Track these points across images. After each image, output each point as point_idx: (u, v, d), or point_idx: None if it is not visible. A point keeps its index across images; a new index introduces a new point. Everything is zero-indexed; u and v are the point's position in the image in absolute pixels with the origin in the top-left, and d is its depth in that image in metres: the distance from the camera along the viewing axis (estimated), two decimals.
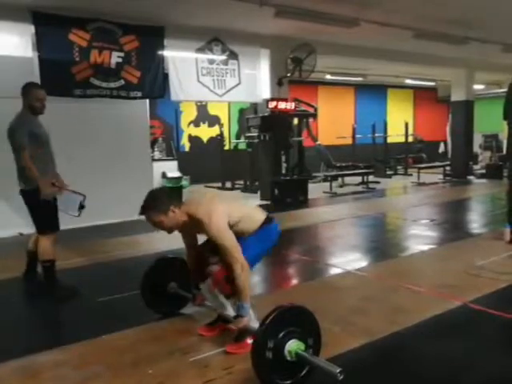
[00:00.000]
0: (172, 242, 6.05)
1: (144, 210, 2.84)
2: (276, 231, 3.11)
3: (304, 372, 2.51)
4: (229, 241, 2.79)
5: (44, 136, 4.03)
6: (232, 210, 2.94)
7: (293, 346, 2.42)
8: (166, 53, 7.69)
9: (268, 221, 3.06)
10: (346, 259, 5.23)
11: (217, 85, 8.35)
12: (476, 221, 7.79)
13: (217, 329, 3.23)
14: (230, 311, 3.22)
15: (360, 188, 11.48)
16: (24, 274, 4.35)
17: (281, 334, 2.42)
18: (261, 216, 3.07)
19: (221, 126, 13.27)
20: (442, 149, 17.78)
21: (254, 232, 2.98)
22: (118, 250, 5.69)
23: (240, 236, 2.90)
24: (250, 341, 2.92)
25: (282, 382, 2.43)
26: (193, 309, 3.57)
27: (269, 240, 3.06)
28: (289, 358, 2.42)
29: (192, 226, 2.93)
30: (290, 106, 9.45)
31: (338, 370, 2.27)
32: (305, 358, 2.43)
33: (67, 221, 4.54)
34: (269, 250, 3.10)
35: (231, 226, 2.87)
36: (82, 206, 4.37)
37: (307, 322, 2.58)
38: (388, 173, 14.04)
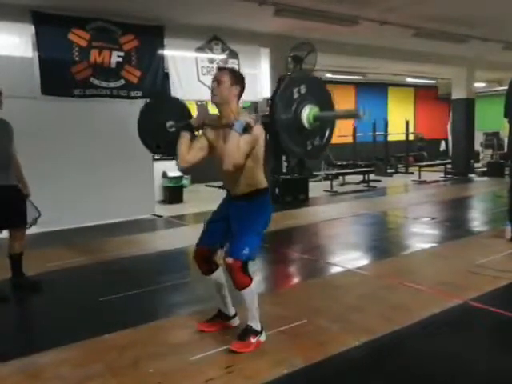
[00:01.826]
0: (173, 241, 6.09)
1: (226, 68, 2.98)
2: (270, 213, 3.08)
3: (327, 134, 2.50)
4: (243, 150, 2.76)
5: None
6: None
7: (308, 112, 2.40)
8: (166, 52, 7.69)
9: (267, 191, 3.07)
10: (347, 257, 5.23)
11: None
12: (477, 219, 7.78)
13: (217, 325, 3.23)
14: (231, 309, 3.23)
15: (361, 186, 11.48)
16: (11, 277, 4.28)
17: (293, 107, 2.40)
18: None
19: None
20: (442, 147, 17.77)
21: (262, 190, 2.98)
22: (119, 250, 5.69)
23: (251, 176, 2.91)
24: (253, 340, 2.93)
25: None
26: (192, 308, 3.58)
27: (269, 211, 3.04)
28: (308, 126, 2.39)
29: (222, 132, 2.92)
30: None
31: (360, 110, 2.27)
32: (324, 115, 2.40)
33: (67, 221, 4.54)
34: (268, 224, 3.04)
35: (255, 156, 2.88)
36: (34, 222, 4.28)
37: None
38: (389, 171, 14.04)
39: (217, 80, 2.90)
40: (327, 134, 2.55)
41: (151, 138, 3.41)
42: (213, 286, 3.19)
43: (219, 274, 3.12)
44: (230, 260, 2.84)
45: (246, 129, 2.73)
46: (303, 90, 2.43)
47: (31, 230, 4.34)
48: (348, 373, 2.75)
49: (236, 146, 2.73)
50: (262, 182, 3.01)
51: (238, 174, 2.88)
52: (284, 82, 2.58)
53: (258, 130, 2.78)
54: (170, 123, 3.29)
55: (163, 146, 3.40)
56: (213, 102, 2.96)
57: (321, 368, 2.74)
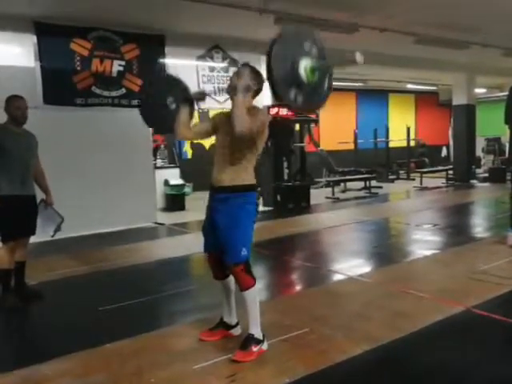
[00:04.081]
0: (175, 250, 6.09)
1: (248, 66, 3.02)
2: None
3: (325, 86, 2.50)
4: (252, 127, 2.81)
5: (13, 148, 4.03)
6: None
7: (306, 63, 2.40)
8: (167, 61, 7.72)
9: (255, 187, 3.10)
10: (349, 265, 5.22)
11: (218, 92, 8.37)
12: (479, 225, 7.77)
13: (219, 334, 3.23)
14: (233, 318, 3.23)
15: (362, 193, 11.47)
16: (13, 288, 4.29)
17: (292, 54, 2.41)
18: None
19: None
20: (444, 153, 17.77)
21: (251, 187, 3.01)
22: (120, 258, 5.69)
23: (244, 165, 2.96)
24: (255, 349, 2.92)
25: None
26: (195, 316, 3.57)
27: (256, 208, 3.06)
28: (305, 79, 2.40)
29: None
30: (292, 111, 9.46)
31: (357, 53, 2.29)
32: (321, 66, 2.43)
33: (69, 229, 4.55)
34: (255, 219, 3.08)
35: (255, 145, 2.96)
36: (58, 228, 4.42)
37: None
38: (390, 177, 14.03)
39: (237, 73, 2.99)
40: (326, 85, 2.54)
41: (155, 119, 3.45)
42: (221, 291, 3.20)
43: (231, 280, 3.12)
44: (232, 266, 2.90)
45: (247, 88, 2.83)
46: (307, 46, 2.45)
47: (32, 239, 4.34)
48: (351, 381, 2.74)
49: (242, 108, 2.78)
50: (251, 179, 3.04)
51: (233, 157, 2.92)
52: (278, 37, 2.59)
53: (266, 117, 2.84)
54: (169, 99, 3.32)
55: (168, 124, 3.37)
56: (229, 93, 3.02)
57: (323, 377, 2.73)
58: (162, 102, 3.34)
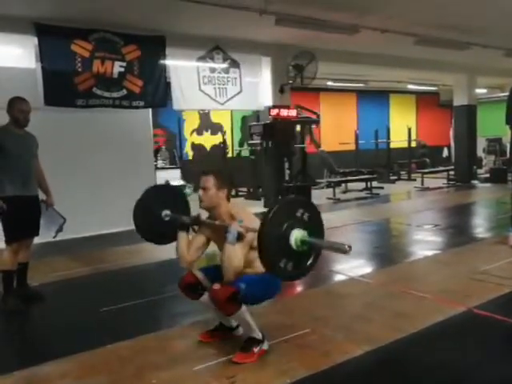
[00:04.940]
0: (174, 251, 6.08)
1: (210, 172, 2.97)
2: (280, 284, 3.00)
3: (310, 260, 2.58)
4: (240, 257, 2.76)
5: (15, 149, 4.05)
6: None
7: (297, 234, 2.44)
8: (168, 62, 7.73)
9: None
10: (350, 266, 5.21)
11: (218, 93, 8.38)
12: (480, 225, 7.76)
13: (219, 336, 3.23)
14: (233, 322, 3.22)
15: (363, 194, 11.46)
16: (15, 289, 4.31)
17: (284, 226, 2.45)
18: None
19: (224, 133, 13.31)
20: (445, 153, 17.75)
21: (261, 272, 2.77)
22: (121, 260, 5.70)
23: (246, 268, 2.85)
24: (256, 349, 2.92)
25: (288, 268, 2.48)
26: (195, 318, 3.57)
27: (273, 286, 2.95)
28: (295, 247, 2.44)
29: (215, 229, 2.95)
30: (292, 112, 9.47)
31: (346, 245, 2.30)
32: (311, 241, 2.47)
33: (70, 230, 4.56)
34: (269, 297, 3.02)
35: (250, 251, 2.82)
36: (60, 229, 4.42)
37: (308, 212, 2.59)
38: (391, 178, 14.03)
39: (202, 187, 2.94)
40: (311, 261, 2.63)
41: (148, 228, 3.39)
42: (205, 307, 3.14)
43: (205, 295, 3.04)
44: (217, 286, 2.79)
45: (239, 238, 2.75)
46: (299, 213, 2.51)
47: (34, 240, 4.35)
48: (352, 382, 2.74)
49: (232, 258, 2.75)
50: (261, 267, 2.76)
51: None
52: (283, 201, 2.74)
53: (251, 236, 2.73)
54: (165, 212, 3.29)
55: (159, 235, 3.37)
56: (201, 207, 3.01)
57: (325, 377, 2.73)
58: (157, 215, 3.31)
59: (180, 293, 3.15)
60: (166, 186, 3.58)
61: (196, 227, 3.11)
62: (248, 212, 3.02)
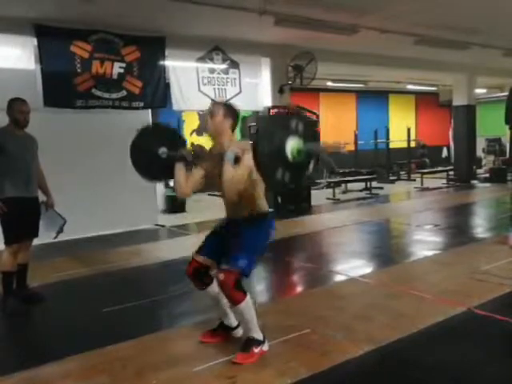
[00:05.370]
0: (176, 251, 6.09)
1: (220, 103, 3.09)
2: (273, 227, 3.11)
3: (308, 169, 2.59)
4: (240, 178, 2.80)
5: (16, 150, 4.05)
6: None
7: (293, 144, 2.46)
8: (168, 63, 7.72)
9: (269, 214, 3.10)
10: (350, 266, 5.22)
11: (218, 94, 8.37)
12: (480, 225, 7.76)
13: (219, 336, 3.23)
14: (232, 320, 3.22)
15: (363, 194, 11.46)
16: (15, 290, 4.30)
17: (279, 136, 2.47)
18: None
19: None
20: (444, 153, 17.76)
21: (262, 214, 3.00)
22: (122, 260, 5.69)
23: (250, 201, 2.94)
24: (256, 350, 2.92)
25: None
26: (196, 318, 3.57)
27: (267, 234, 3.06)
28: (291, 158, 2.47)
29: (216, 162, 2.95)
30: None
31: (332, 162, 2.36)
32: (307, 149, 2.49)
33: (71, 231, 4.56)
34: (265, 248, 3.09)
35: (252, 181, 2.89)
36: (60, 230, 4.42)
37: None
38: (391, 178, 14.03)
39: (210, 112, 3.01)
40: (310, 167, 2.63)
41: (145, 166, 3.39)
42: (210, 299, 3.19)
43: (214, 287, 3.08)
44: (222, 276, 2.83)
45: (236, 160, 2.79)
46: (293, 124, 2.51)
47: (34, 241, 4.34)
48: (352, 382, 2.74)
49: (232, 176, 2.80)
50: (263, 206, 3.04)
51: (238, 201, 2.91)
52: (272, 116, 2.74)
53: (248, 161, 2.75)
54: (162, 150, 3.29)
55: (156, 173, 3.38)
56: (207, 133, 3.09)
57: (325, 377, 2.73)
58: (153, 152, 3.29)
59: (191, 286, 3.17)
60: (164, 125, 3.58)
61: (194, 162, 3.14)
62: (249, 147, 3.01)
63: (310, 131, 2.66)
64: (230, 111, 3.04)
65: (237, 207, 2.98)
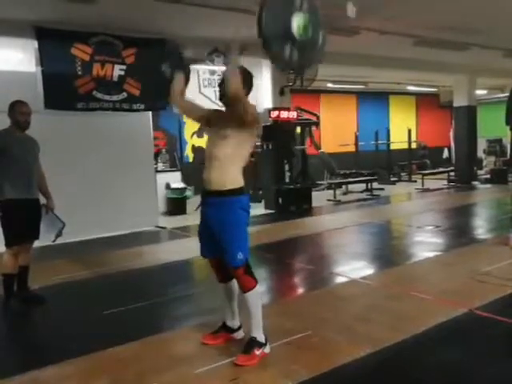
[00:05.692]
0: (177, 253, 6.09)
1: (238, 67, 3.01)
2: (249, 204, 3.09)
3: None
4: (239, 85, 2.82)
5: (18, 153, 4.06)
6: None
7: (299, 20, 2.43)
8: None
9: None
10: (351, 267, 5.21)
11: (218, 96, 8.37)
12: (481, 226, 7.76)
13: (221, 338, 3.23)
14: (236, 321, 3.22)
15: (364, 195, 11.46)
16: (15, 292, 4.29)
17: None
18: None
19: None
20: (445, 154, 17.75)
21: (237, 190, 2.97)
22: (122, 262, 5.69)
23: (231, 166, 2.96)
24: (257, 352, 2.92)
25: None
26: (197, 320, 3.57)
27: (246, 213, 3.04)
28: (297, 35, 2.43)
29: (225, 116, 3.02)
30: (292, 114, 9.49)
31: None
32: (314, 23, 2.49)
33: (71, 234, 4.56)
34: (248, 223, 3.09)
35: (239, 145, 2.96)
36: (59, 233, 4.41)
37: None
38: (392, 179, 14.02)
39: (233, 73, 2.96)
40: (321, 40, 2.57)
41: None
42: (224, 294, 3.20)
43: (234, 282, 3.11)
44: (230, 268, 2.95)
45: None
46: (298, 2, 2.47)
47: (34, 243, 4.34)
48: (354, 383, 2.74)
49: (232, 80, 2.81)
50: (236, 181, 2.98)
51: (221, 163, 2.93)
52: None
53: (257, 115, 2.87)
54: (164, 66, 3.34)
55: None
56: (221, 94, 3.10)
57: (326, 379, 2.73)
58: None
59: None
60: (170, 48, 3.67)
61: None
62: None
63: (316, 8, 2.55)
64: (247, 79, 3.02)
65: (218, 171, 2.94)
